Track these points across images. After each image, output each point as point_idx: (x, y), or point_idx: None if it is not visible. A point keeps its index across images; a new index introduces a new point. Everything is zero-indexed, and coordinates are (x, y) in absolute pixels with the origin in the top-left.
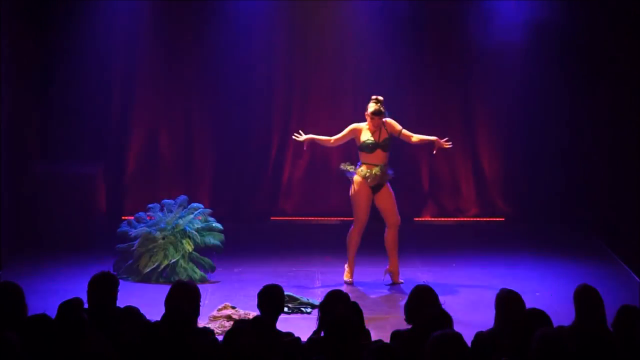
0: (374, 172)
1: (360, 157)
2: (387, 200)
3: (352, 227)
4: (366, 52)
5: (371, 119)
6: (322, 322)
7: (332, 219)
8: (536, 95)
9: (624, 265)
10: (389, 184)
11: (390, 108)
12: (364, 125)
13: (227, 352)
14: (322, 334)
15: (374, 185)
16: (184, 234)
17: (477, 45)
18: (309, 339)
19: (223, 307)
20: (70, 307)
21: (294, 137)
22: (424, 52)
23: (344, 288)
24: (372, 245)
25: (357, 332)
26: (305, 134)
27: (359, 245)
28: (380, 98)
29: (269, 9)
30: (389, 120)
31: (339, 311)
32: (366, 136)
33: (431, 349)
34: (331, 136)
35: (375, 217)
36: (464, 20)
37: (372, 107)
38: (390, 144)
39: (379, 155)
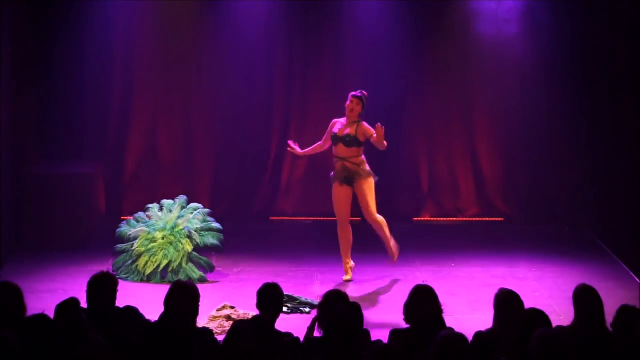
0: (337, 167)
1: None
2: (361, 195)
3: None
4: (366, 52)
5: (348, 104)
6: (319, 323)
7: (332, 218)
8: (536, 96)
9: (624, 265)
10: (370, 180)
11: (390, 108)
12: (341, 119)
13: (226, 352)
14: (320, 335)
15: (346, 179)
16: (183, 234)
17: (477, 45)
18: (306, 339)
19: (222, 307)
20: (67, 307)
21: (289, 149)
22: (424, 52)
23: (343, 287)
24: (370, 245)
25: (356, 332)
26: (306, 134)
27: (352, 243)
28: (360, 94)
29: (269, 9)
30: (365, 125)
31: (337, 311)
32: (335, 129)
33: (436, 349)
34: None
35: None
36: (464, 20)
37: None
38: (355, 142)
39: (341, 149)
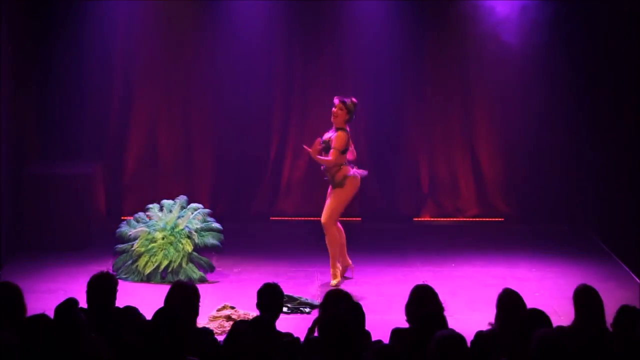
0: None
1: None
2: (328, 200)
3: None
4: (366, 52)
5: (333, 108)
6: (318, 322)
7: None
8: (536, 95)
9: (624, 265)
10: (340, 190)
11: (390, 108)
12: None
13: (226, 352)
14: (317, 334)
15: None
16: (183, 234)
17: (477, 45)
18: (306, 339)
19: (222, 307)
20: (65, 308)
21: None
22: (424, 52)
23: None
24: (368, 245)
25: (351, 334)
26: (305, 134)
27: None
28: (346, 99)
29: (269, 9)
30: (339, 134)
31: (333, 312)
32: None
33: (434, 349)
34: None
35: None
36: (464, 20)
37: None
38: (328, 148)
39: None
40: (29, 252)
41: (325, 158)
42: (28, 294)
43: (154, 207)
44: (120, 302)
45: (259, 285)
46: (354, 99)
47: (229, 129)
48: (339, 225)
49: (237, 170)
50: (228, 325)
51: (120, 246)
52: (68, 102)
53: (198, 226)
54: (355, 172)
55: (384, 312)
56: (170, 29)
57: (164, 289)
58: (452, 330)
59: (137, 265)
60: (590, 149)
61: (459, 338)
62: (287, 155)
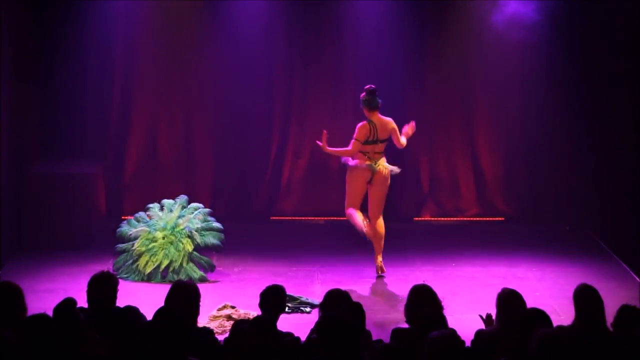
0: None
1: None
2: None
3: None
4: (366, 52)
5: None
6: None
7: (332, 218)
8: (536, 95)
9: (624, 265)
10: (348, 174)
11: (390, 108)
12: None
13: (227, 352)
14: (317, 334)
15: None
16: (184, 233)
17: (478, 45)
18: (308, 339)
19: (223, 307)
20: (64, 308)
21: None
22: (424, 52)
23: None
24: (368, 245)
25: (352, 332)
26: (306, 135)
27: (377, 237)
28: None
29: (269, 9)
30: (358, 126)
31: (333, 311)
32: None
33: (428, 349)
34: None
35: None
36: (464, 19)
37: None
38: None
39: None
40: (29, 252)
41: (343, 149)
42: (28, 293)
43: (154, 207)
44: (121, 301)
45: (259, 285)
46: (365, 88)
47: (229, 128)
48: (367, 221)
49: (238, 170)
50: (228, 324)
51: (121, 246)
52: (69, 101)
53: (198, 226)
54: (357, 162)
55: (384, 312)
56: (170, 29)
57: (164, 288)
58: (445, 330)
59: (137, 265)
60: (591, 149)
61: (452, 338)
62: (287, 155)
